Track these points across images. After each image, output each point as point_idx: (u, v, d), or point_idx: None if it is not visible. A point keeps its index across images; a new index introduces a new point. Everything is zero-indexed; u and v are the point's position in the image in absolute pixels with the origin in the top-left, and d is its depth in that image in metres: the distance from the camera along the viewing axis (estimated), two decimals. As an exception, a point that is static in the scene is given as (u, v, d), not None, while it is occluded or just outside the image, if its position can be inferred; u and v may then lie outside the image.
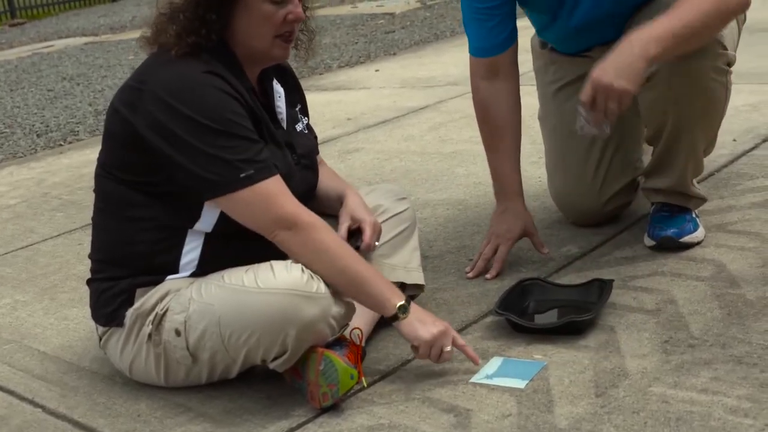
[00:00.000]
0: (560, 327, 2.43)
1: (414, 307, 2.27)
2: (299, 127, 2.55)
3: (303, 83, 2.69)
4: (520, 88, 2.96)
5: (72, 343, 2.83)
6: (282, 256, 2.27)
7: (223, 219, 2.31)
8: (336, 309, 2.23)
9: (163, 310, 2.29)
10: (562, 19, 2.86)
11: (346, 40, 9.15)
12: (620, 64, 2.40)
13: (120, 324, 2.37)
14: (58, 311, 3.11)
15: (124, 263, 2.38)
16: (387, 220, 2.61)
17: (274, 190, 2.25)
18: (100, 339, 2.47)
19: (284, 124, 2.47)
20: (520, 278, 2.71)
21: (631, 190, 3.11)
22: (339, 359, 2.19)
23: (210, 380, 2.36)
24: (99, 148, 2.44)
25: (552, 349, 2.36)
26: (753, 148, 3.70)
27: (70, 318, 3.03)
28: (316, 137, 2.65)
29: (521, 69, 2.97)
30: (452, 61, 7.03)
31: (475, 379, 2.27)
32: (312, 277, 2.20)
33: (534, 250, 2.96)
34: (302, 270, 2.20)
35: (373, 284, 2.26)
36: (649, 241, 2.86)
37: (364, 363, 2.33)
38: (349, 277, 2.25)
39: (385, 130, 5.09)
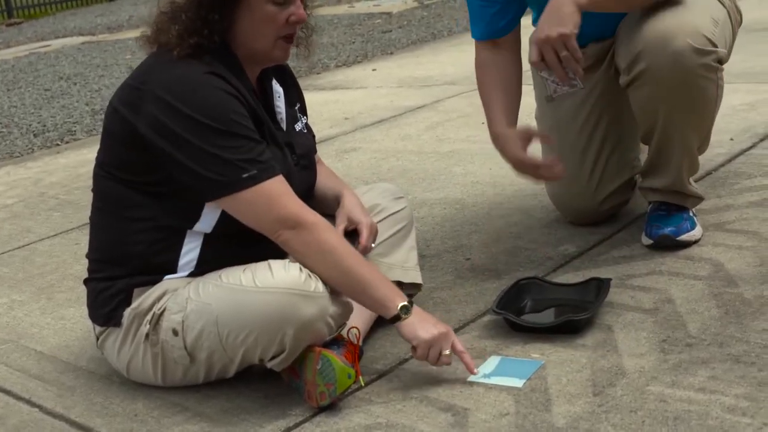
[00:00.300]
0: (558, 326, 2.42)
1: (416, 308, 2.27)
2: (298, 126, 2.55)
3: (300, 83, 2.69)
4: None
5: (69, 343, 2.83)
6: (281, 256, 2.27)
7: (224, 220, 2.31)
8: (334, 308, 2.23)
9: (161, 310, 2.29)
10: None
11: (343, 40, 9.15)
12: (550, 15, 2.50)
13: (117, 324, 2.37)
14: (55, 311, 3.11)
15: (122, 263, 2.38)
16: (384, 219, 2.61)
17: (278, 190, 2.25)
18: (98, 339, 2.46)
19: (284, 125, 2.47)
20: (517, 277, 2.71)
21: (628, 189, 3.11)
22: (336, 358, 2.18)
23: (207, 380, 2.36)
24: (96, 147, 2.44)
25: (549, 348, 2.36)
26: (750, 147, 3.70)
27: (67, 318, 3.03)
28: (314, 136, 2.65)
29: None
30: (449, 60, 7.04)
31: (472, 378, 2.26)
32: (310, 276, 2.19)
33: (532, 249, 2.96)
34: (300, 269, 2.20)
35: (376, 285, 2.26)
36: (646, 240, 2.86)
37: (361, 362, 2.33)
38: (352, 278, 2.25)
39: (382, 130, 5.09)
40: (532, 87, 3.27)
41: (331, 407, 2.22)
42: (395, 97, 5.94)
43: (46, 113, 7.22)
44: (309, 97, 2.74)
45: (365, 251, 2.45)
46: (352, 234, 2.47)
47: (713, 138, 3.70)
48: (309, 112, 2.67)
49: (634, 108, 2.78)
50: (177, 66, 2.26)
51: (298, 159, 2.47)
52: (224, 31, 2.31)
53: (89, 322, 2.49)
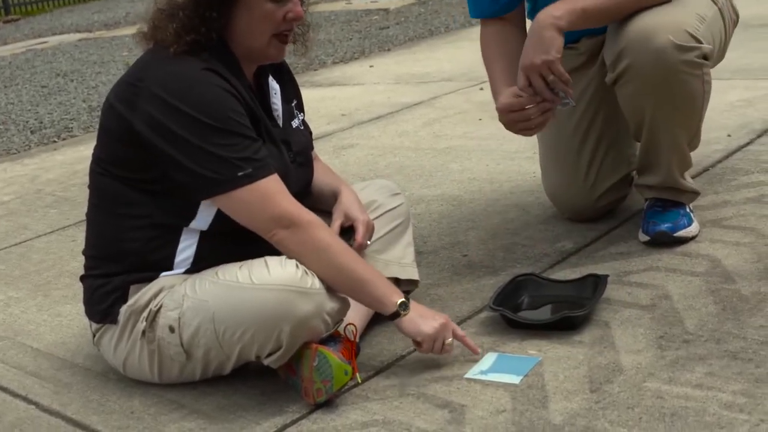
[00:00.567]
0: (555, 322, 2.42)
1: (413, 303, 2.28)
2: (295, 123, 2.54)
3: (297, 79, 2.68)
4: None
5: (65, 340, 2.82)
6: (277, 253, 2.27)
7: (220, 217, 2.30)
8: (330, 305, 2.23)
9: (157, 307, 2.29)
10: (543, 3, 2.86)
11: (340, 36, 9.14)
12: (533, 41, 2.58)
13: (114, 321, 2.36)
14: (52, 308, 3.11)
15: (118, 260, 2.37)
16: (381, 215, 2.61)
17: (273, 188, 2.24)
18: (94, 336, 2.46)
19: (280, 122, 2.47)
20: (514, 274, 2.71)
21: (625, 185, 3.11)
22: (333, 355, 2.18)
23: (204, 377, 2.36)
24: (93, 144, 2.44)
25: (546, 345, 2.36)
26: (748, 144, 3.70)
27: (64, 315, 3.02)
28: (311, 133, 2.65)
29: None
30: (446, 57, 7.03)
31: (469, 374, 2.27)
32: (306, 273, 2.19)
33: (529, 246, 2.96)
34: (296, 266, 2.20)
35: (372, 283, 2.26)
36: (643, 237, 2.86)
37: (358, 359, 2.33)
38: (348, 276, 2.24)
39: (379, 126, 5.08)
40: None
41: (327, 404, 2.22)
42: (392, 93, 5.94)
43: (42, 110, 7.21)
44: (306, 94, 2.73)
45: (361, 248, 2.45)
46: (348, 231, 2.47)
47: (710, 134, 3.72)
48: (306, 108, 2.67)
49: (621, 105, 2.79)
50: (173, 63, 2.26)
51: (295, 156, 2.47)
52: (222, 28, 2.30)
53: (86, 319, 2.49)
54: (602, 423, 1.98)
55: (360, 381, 2.28)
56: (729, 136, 3.80)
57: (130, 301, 2.33)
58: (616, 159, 3.05)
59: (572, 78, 3.02)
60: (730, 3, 2.92)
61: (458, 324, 2.53)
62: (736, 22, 2.96)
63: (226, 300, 2.20)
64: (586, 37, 2.97)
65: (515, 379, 2.21)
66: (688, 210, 2.88)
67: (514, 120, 2.67)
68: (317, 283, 2.19)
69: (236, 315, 2.19)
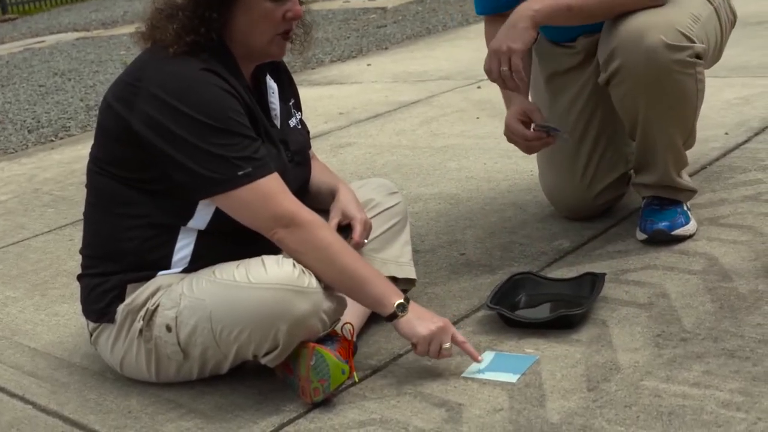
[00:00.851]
0: (552, 321, 2.42)
1: (413, 304, 2.26)
2: (292, 122, 2.54)
3: (295, 78, 2.69)
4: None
5: (63, 340, 2.82)
6: (275, 252, 2.26)
7: (218, 217, 2.30)
8: (327, 304, 2.22)
9: (154, 306, 2.29)
10: None
11: (338, 35, 9.14)
12: (507, 29, 2.60)
13: (111, 320, 2.36)
14: (49, 307, 3.10)
15: (115, 259, 2.37)
16: (378, 214, 2.61)
17: (273, 188, 2.24)
18: (91, 335, 2.46)
19: (278, 121, 2.46)
20: (512, 272, 2.71)
21: (623, 184, 3.11)
22: (330, 354, 2.18)
23: (201, 376, 2.36)
24: (91, 143, 2.43)
25: (544, 344, 2.36)
26: (745, 142, 3.70)
27: (61, 314, 3.02)
28: (308, 132, 2.65)
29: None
30: (444, 55, 7.03)
31: (466, 373, 2.26)
32: (303, 272, 2.19)
33: (527, 244, 2.96)
34: (293, 265, 2.19)
35: (372, 283, 2.25)
36: (640, 235, 2.86)
37: (355, 358, 2.33)
38: (348, 276, 2.24)
39: (376, 125, 5.08)
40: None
41: (325, 403, 2.21)
42: (390, 92, 5.94)
43: (40, 109, 7.20)
44: (303, 93, 2.73)
45: (358, 247, 2.44)
46: (345, 229, 2.47)
47: (708, 132, 3.72)
48: (303, 107, 2.67)
49: (615, 105, 2.79)
50: (172, 63, 2.25)
51: (293, 155, 2.47)
52: (221, 28, 2.30)
53: (83, 319, 2.48)
54: (599, 421, 1.98)
55: (357, 380, 2.28)
56: (726, 134, 3.80)
57: (127, 300, 2.33)
58: (613, 157, 3.05)
59: (569, 77, 3.05)
60: (728, 3, 2.91)
61: (455, 323, 2.53)
62: (733, 23, 2.96)
63: (223, 299, 2.20)
64: (583, 36, 2.98)
65: (512, 378, 2.21)
66: (685, 208, 2.88)
67: (516, 142, 2.81)
68: (314, 282, 2.19)
69: (233, 314, 2.18)
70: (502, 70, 2.58)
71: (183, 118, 2.19)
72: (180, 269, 2.35)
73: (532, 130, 2.76)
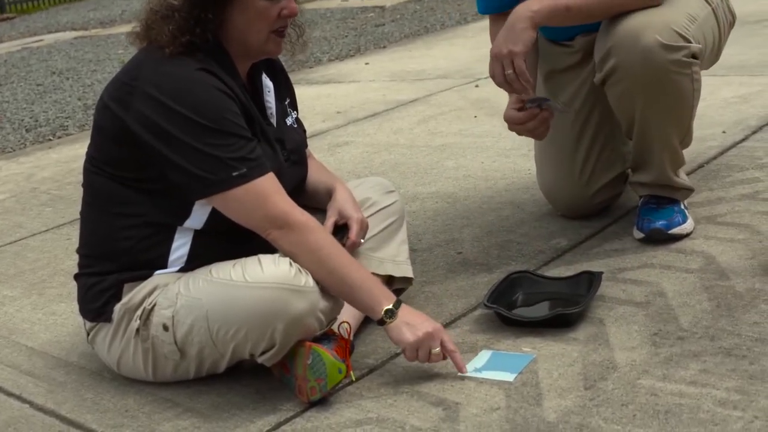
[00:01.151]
0: (549, 320, 2.42)
1: (403, 309, 2.24)
2: (288, 121, 2.54)
3: (292, 77, 2.68)
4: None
5: (60, 339, 2.82)
6: (272, 252, 2.26)
7: (215, 216, 2.30)
8: (324, 303, 2.22)
9: (151, 305, 2.29)
10: None
11: (336, 34, 9.14)
12: (506, 31, 2.60)
13: (108, 319, 2.36)
14: (46, 306, 3.10)
15: (112, 258, 2.37)
16: (375, 213, 2.61)
17: (268, 188, 2.24)
18: (88, 334, 2.46)
19: (274, 120, 2.46)
20: (509, 271, 2.71)
21: (620, 182, 3.11)
22: (327, 353, 2.18)
23: (198, 375, 2.35)
24: (88, 142, 2.43)
25: (541, 342, 2.35)
26: (743, 140, 3.70)
27: (58, 313, 3.02)
28: (305, 131, 2.64)
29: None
30: (442, 54, 7.03)
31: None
32: (300, 271, 2.19)
33: (524, 243, 2.96)
34: (290, 264, 2.19)
35: (363, 287, 2.24)
36: (638, 234, 2.86)
37: (352, 357, 2.32)
38: (338, 279, 2.24)
39: (374, 124, 5.08)
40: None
41: (321, 402, 2.21)
42: (388, 90, 5.94)
43: (38, 108, 7.20)
44: (301, 91, 2.73)
45: (354, 246, 2.44)
46: (342, 228, 2.47)
47: (706, 131, 3.72)
48: (301, 106, 2.67)
49: (611, 105, 2.79)
50: (168, 63, 2.25)
51: (289, 154, 2.46)
52: (217, 28, 2.30)
53: (80, 318, 2.48)
54: (596, 420, 1.98)
55: (354, 379, 2.28)
56: (724, 132, 3.80)
57: (124, 300, 2.33)
58: (611, 156, 3.05)
59: (567, 75, 3.06)
60: (726, 4, 2.91)
61: (452, 321, 2.53)
62: (732, 23, 2.96)
63: (220, 298, 2.20)
64: (581, 35, 2.97)
65: (509, 377, 2.21)
66: (682, 207, 2.88)
67: (519, 131, 2.80)
68: (311, 282, 2.19)
69: (230, 313, 2.18)
70: (507, 74, 2.58)
71: (178, 119, 2.19)
72: (176, 269, 2.35)
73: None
